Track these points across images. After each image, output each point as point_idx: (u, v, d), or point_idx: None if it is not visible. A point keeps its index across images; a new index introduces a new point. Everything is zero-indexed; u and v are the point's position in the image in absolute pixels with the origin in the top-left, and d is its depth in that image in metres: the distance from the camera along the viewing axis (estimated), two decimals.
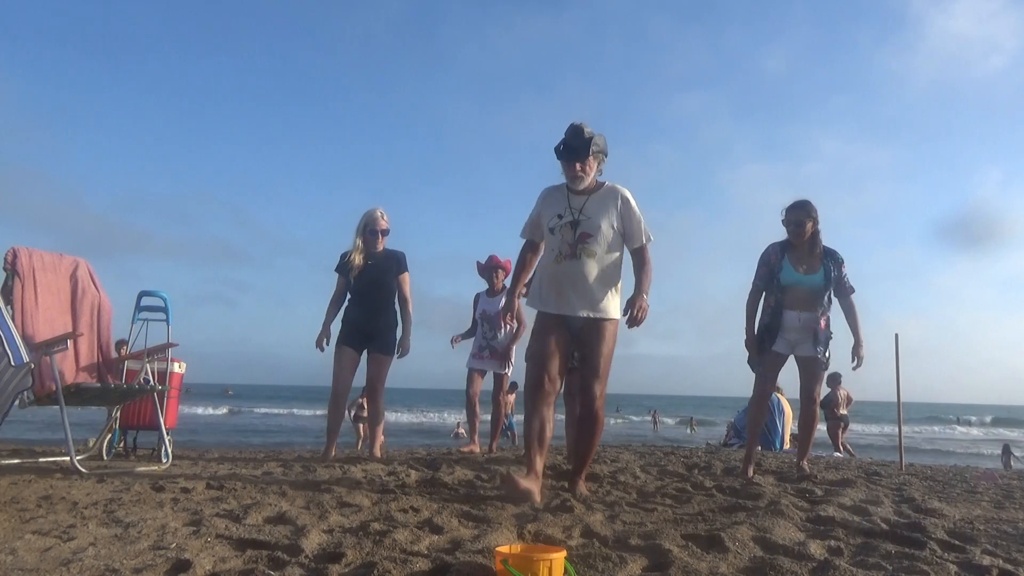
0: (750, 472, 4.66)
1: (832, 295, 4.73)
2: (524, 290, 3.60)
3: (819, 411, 4.91)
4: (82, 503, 3.05)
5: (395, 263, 5.33)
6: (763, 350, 4.71)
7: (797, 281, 4.64)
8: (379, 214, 5.33)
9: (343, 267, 5.33)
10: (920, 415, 42.92)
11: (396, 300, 5.34)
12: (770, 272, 4.71)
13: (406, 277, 5.36)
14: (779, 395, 9.97)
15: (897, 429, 6.52)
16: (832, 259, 4.70)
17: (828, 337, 4.70)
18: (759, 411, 4.91)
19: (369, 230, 5.27)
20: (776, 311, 4.68)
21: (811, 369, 4.73)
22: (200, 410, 32.38)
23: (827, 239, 4.73)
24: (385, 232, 5.34)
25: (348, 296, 5.36)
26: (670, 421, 34.98)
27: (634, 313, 3.46)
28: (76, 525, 2.58)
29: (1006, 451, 14.86)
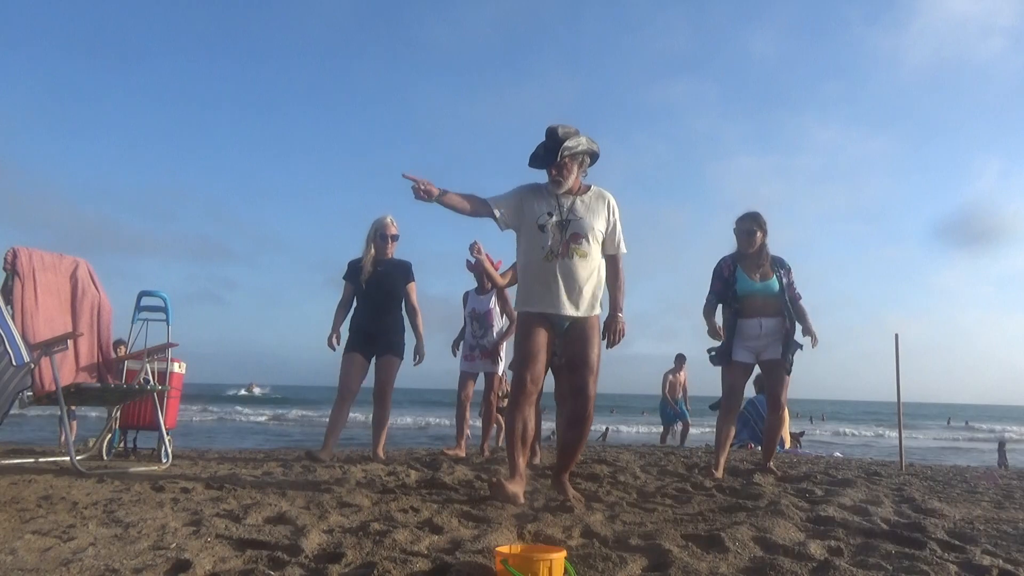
0: (718, 473, 4.63)
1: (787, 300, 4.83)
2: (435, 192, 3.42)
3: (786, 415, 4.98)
4: (82, 503, 3.05)
5: (403, 271, 5.42)
6: (726, 360, 4.81)
7: (754, 290, 4.77)
8: (389, 220, 5.43)
9: (351, 274, 5.41)
10: (919, 415, 42.93)
11: (403, 307, 5.43)
12: (724, 285, 4.81)
13: (413, 287, 5.45)
14: None
15: (897, 429, 6.52)
16: (781, 266, 4.87)
17: (795, 343, 4.80)
18: (727, 422, 4.94)
19: (380, 235, 5.36)
20: (736, 322, 4.78)
21: (776, 373, 4.83)
22: (260, 416, 27.53)
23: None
24: (395, 237, 5.43)
25: (355, 302, 5.41)
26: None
27: (612, 338, 3.54)
28: (76, 525, 2.58)
29: (1001, 447, 14.89)
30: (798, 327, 4.87)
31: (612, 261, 3.65)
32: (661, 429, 13.44)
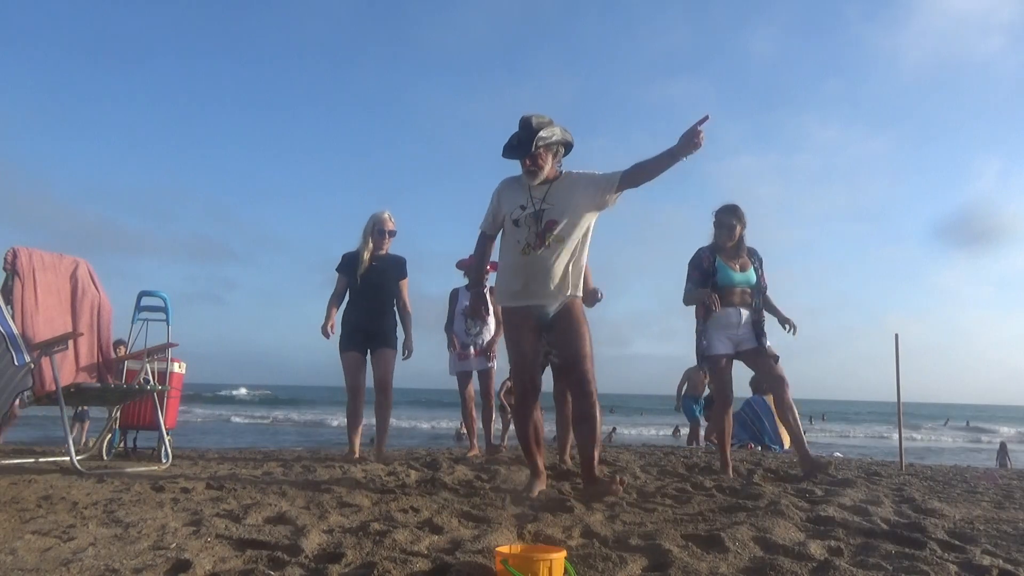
0: (728, 471, 4.72)
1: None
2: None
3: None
4: (82, 503, 3.06)
5: (397, 268, 5.45)
6: (706, 356, 4.83)
7: (734, 281, 4.78)
8: (387, 215, 5.46)
9: (345, 266, 5.42)
10: (919, 415, 42.93)
11: (395, 303, 5.44)
12: (703, 275, 4.81)
13: (405, 284, 5.48)
14: (767, 398, 9.93)
15: (897, 429, 6.53)
16: (755, 257, 4.91)
17: (763, 331, 4.82)
18: (724, 418, 4.96)
19: (377, 230, 5.40)
20: (714, 312, 4.75)
21: (763, 356, 4.79)
22: (260, 416, 25.62)
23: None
24: (392, 233, 5.46)
25: (348, 296, 5.42)
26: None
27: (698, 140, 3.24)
28: (76, 525, 2.58)
29: (1002, 449, 14.94)
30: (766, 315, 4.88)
31: (627, 178, 3.46)
32: (666, 430, 12.92)
